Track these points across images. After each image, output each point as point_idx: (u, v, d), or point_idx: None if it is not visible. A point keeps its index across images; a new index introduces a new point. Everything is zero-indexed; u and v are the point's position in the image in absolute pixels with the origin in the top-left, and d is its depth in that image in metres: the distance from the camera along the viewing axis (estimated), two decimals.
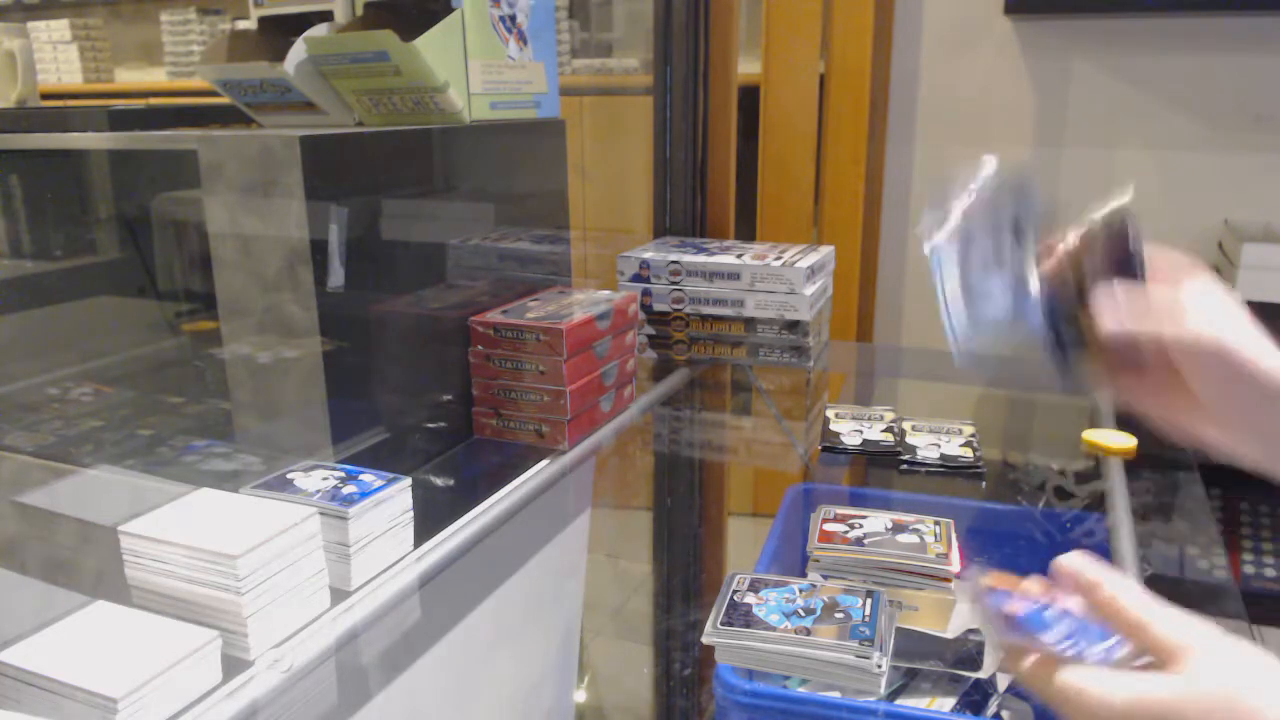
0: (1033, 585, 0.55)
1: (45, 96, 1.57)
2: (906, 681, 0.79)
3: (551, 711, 0.97)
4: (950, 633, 0.80)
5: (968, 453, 1.07)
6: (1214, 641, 0.43)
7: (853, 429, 1.13)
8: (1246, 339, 0.52)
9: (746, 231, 2.26)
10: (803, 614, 0.72)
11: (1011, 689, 0.81)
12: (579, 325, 0.98)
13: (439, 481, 0.97)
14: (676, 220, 1.55)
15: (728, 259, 1.27)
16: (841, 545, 0.83)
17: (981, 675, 0.79)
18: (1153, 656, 0.45)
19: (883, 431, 1.12)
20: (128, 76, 4.21)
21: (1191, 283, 0.54)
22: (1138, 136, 2.09)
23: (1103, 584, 0.48)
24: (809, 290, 1.24)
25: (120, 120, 0.99)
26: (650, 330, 1.32)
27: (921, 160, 2.29)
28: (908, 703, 0.76)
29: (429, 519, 0.80)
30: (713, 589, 0.73)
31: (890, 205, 2.33)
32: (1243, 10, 1.94)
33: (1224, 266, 1.95)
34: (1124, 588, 0.47)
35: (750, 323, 1.27)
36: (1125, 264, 0.54)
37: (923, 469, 1.05)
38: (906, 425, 1.14)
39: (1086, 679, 0.45)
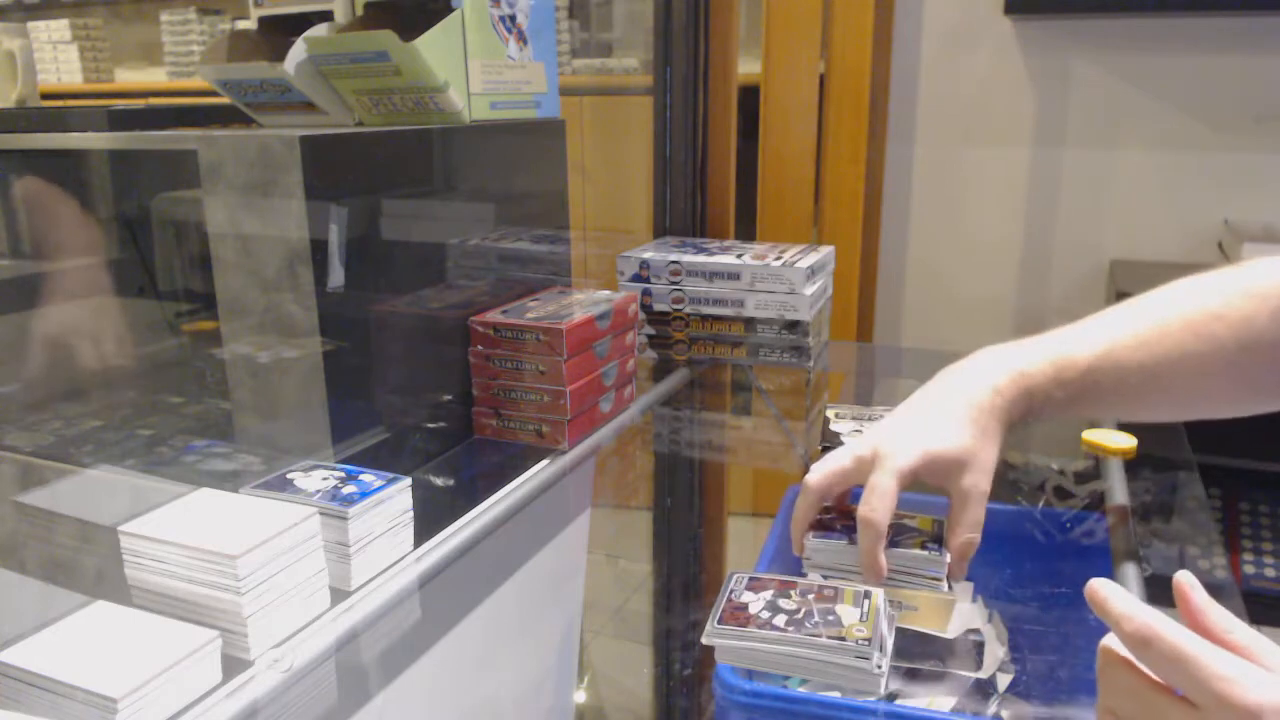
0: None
1: (45, 96, 1.58)
2: (907, 682, 0.79)
3: (551, 711, 0.97)
4: (950, 633, 0.80)
5: None
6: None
7: (853, 429, 1.13)
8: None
9: (746, 231, 2.26)
10: (803, 614, 0.71)
11: (1011, 689, 0.81)
12: (579, 325, 0.98)
13: (439, 481, 0.97)
14: (676, 220, 1.55)
15: (728, 259, 1.27)
16: (833, 536, 0.83)
17: (982, 675, 0.78)
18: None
19: None
20: (128, 76, 4.21)
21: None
22: (1138, 136, 2.09)
23: (1197, 602, 0.49)
24: (809, 290, 1.24)
25: (120, 120, 0.99)
26: (650, 330, 1.32)
27: (921, 160, 2.29)
28: (908, 703, 0.76)
29: (429, 519, 0.80)
30: (713, 589, 0.73)
31: (890, 205, 2.33)
32: (1243, 10, 1.94)
33: (1224, 267, 1.95)
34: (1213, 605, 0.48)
35: (750, 323, 1.27)
36: None
37: None
38: None
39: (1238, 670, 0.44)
